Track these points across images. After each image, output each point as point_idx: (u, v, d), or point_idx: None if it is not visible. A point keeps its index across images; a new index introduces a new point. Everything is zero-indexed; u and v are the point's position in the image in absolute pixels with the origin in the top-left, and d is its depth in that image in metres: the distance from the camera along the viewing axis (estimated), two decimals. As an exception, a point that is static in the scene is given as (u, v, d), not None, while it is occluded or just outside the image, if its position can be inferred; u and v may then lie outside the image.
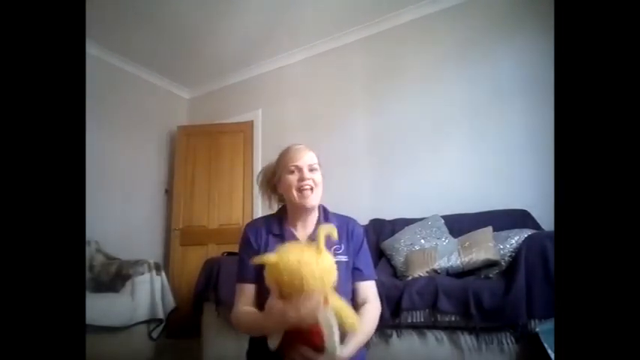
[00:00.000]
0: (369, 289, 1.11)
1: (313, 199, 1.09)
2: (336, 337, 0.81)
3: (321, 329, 0.81)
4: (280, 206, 1.22)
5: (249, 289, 1.07)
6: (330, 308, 0.83)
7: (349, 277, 1.10)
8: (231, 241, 3.30)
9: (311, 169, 1.11)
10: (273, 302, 0.84)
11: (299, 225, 1.14)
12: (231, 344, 2.01)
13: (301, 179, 1.08)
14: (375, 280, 1.15)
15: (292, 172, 1.10)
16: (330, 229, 0.84)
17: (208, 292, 2.11)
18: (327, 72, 3.44)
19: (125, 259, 2.77)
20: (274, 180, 1.17)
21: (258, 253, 1.07)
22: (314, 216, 1.16)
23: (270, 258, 0.81)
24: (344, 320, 0.86)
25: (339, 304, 0.88)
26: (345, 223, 1.16)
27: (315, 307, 0.80)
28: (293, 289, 0.80)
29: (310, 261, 0.80)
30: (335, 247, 1.06)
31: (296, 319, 0.81)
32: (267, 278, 0.84)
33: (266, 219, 1.18)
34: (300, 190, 1.08)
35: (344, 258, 1.09)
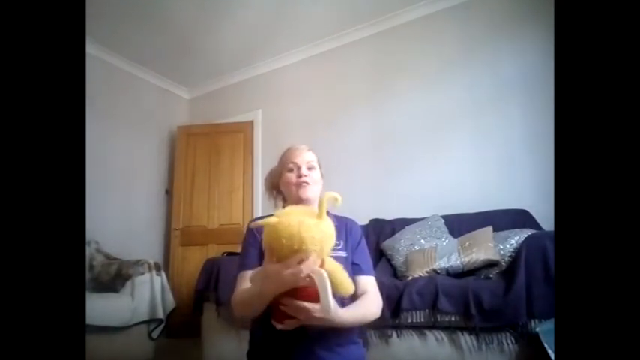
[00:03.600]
0: (368, 283, 1.12)
1: (309, 192, 1.13)
2: (330, 296, 0.80)
3: (315, 290, 0.80)
4: (283, 206, 1.24)
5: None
6: (325, 269, 0.82)
7: (349, 273, 1.10)
8: (231, 241, 3.30)
9: (309, 168, 1.16)
10: (269, 264, 0.84)
11: None
12: (231, 344, 2.01)
13: (299, 176, 1.13)
14: (374, 276, 1.16)
15: (291, 170, 1.15)
16: (334, 196, 0.82)
17: (208, 292, 2.12)
18: (327, 72, 3.44)
19: (125, 259, 2.77)
20: (277, 180, 1.21)
21: (260, 245, 1.08)
22: None
23: (270, 220, 0.80)
24: (338, 283, 0.87)
25: (335, 267, 0.88)
26: (343, 222, 1.19)
27: (311, 269, 0.79)
28: (291, 252, 0.78)
29: (310, 225, 0.78)
30: (334, 242, 1.08)
31: (292, 280, 0.81)
32: (265, 240, 0.83)
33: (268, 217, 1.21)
34: (297, 185, 1.13)
35: (343, 253, 1.11)
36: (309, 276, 0.79)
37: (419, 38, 3.03)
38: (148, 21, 3.11)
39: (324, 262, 0.84)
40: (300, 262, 0.78)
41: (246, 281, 1.06)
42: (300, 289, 0.84)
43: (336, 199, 0.81)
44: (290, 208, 0.86)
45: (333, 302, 0.81)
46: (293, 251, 0.78)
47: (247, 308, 0.98)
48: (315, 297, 0.81)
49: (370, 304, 1.06)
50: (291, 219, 0.79)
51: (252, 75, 3.87)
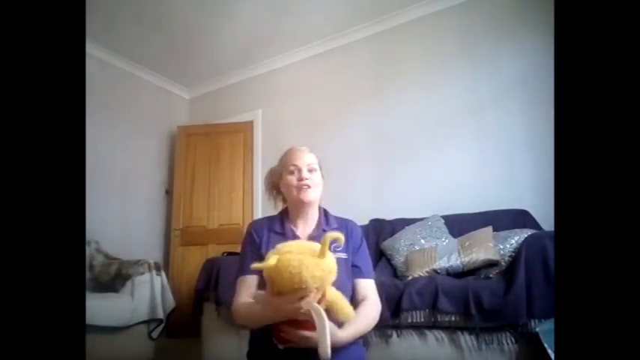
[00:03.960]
0: (367, 287, 1.12)
1: (311, 195, 1.14)
2: (328, 340, 0.81)
3: (313, 322, 0.82)
4: (284, 207, 1.25)
5: (251, 281, 1.09)
6: (324, 304, 0.84)
7: (349, 274, 1.11)
8: (231, 241, 3.30)
9: (310, 170, 1.16)
10: (270, 297, 0.86)
11: (300, 223, 1.17)
12: (231, 344, 2.01)
13: (300, 179, 1.13)
14: (374, 279, 1.16)
15: (292, 172, 1.15)
16: (338, 236, 0.84)
17: (208, 292, 2.12)
18: (327, 72, 3.44)
19: (125, 259, 2.77)
20: (278, 181, 1.21)
21: (260, 248, 1.11)
22: (314, 216, 1.19)
23: (269, 262, 0.81)
24: (338, 310, 0.88)
25: (335, 295, 0.89)
26: (344, 224, 1.20)
27: (311, 305, 0.81)
28: (292, 289, 0.80)
29: (312, 264, 0.80)
30: (334, 245, 1.08)
31: (291, 314, 0.84)
32: (266, 273, 0.85)
33: (269, 218, 1.22)
34: (298, 188, 1.13)
35: (343, 255, 1.11)
36: (308, 311, 0.82)
37: (419, 38, 3.03)
38: (147, 21, 3.11)
39: (325, 292, 0.86)
40: (301, 297, 0.81)
41: (246, 286, 1.08)
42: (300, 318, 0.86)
43: (339, 240, 0.83)
44: (291, 244, 0.87)
45: (329, 345, 0.82)
46: (294, 289, 0.80)
47: (248, 322, 1.02)
48: (314, 326, 0.83)
49: (370, 313, 1.07)
50: (292, 257, 0.81)
51: (252, 75, 3.87)
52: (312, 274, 0.79)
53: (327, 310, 0.85)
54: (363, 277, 1.13)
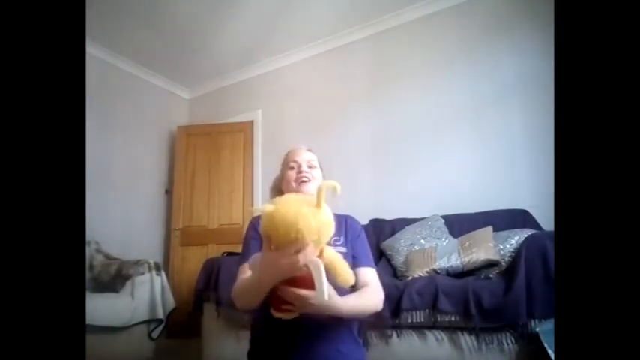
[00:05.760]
0: (367, 274, 1.10)
1: (309, 188, 1.14)
2: (325, 283, 0.78)
3: (311, 277, 0.79)
4: None
5: None
6: (322, 259, 0.81)
7: (350, 266, 1.10)
8: (231, 241, 3.30)
9: (309, 166, 1.18)
10: (267, 252, 0.83)
11: None
12: (231, 344, 2.02)
13: (299, 172, 1.16)
14: (374, 268, 1.15)
15: (292, 167, 1.18)
16: (333, 185, 0.80)
17: (208, 292, 2.12)
18: (327, 72, 3.44)
19: (125, 259, 2.77)
20: (280, 182, 1.24)
21: (261, 239, 1.09)
22: None
23: (267, 208, 0.78)
24: (337, 274, 0.86)
25: (334, 257, 0.86)
26: (343, 218, 1.20)
27: (308, 258, 0.78)
28: (288, 241, 0.76)
29: (308, 214, 0.76)
30: (334, 239, 1.07)
31: (289, 269, 0.80)
32: (262, 228, 0.81)
33: None
34: (297, 181, 1.15)
35: (343, 249, 1.10)
36: (306, 265, 0.78)
37: (419, 38, 3.03)
38: (148, 21, 3.11)
39: (323, 251, 0.83)
40: (298, 251, 0.77)
41: (247, 273, 1.05)
42: (298, 279, 0.83)
43: (334, 188, 0.79)
44: (288, 196, 0.84)
45: (328, 290, 0.80)
46: (290, 240, 0.76)
47: (247, 297, 0.97)
48: (313, 286, 0.80)
49: (370, 296, 1.05)
50: (288, 207, 0.77)
51: (252, 75, 3.87)
52: (308, 224, 0.75)
53: (325, 271, 0.81)
54: (363, 265, 1.11)
